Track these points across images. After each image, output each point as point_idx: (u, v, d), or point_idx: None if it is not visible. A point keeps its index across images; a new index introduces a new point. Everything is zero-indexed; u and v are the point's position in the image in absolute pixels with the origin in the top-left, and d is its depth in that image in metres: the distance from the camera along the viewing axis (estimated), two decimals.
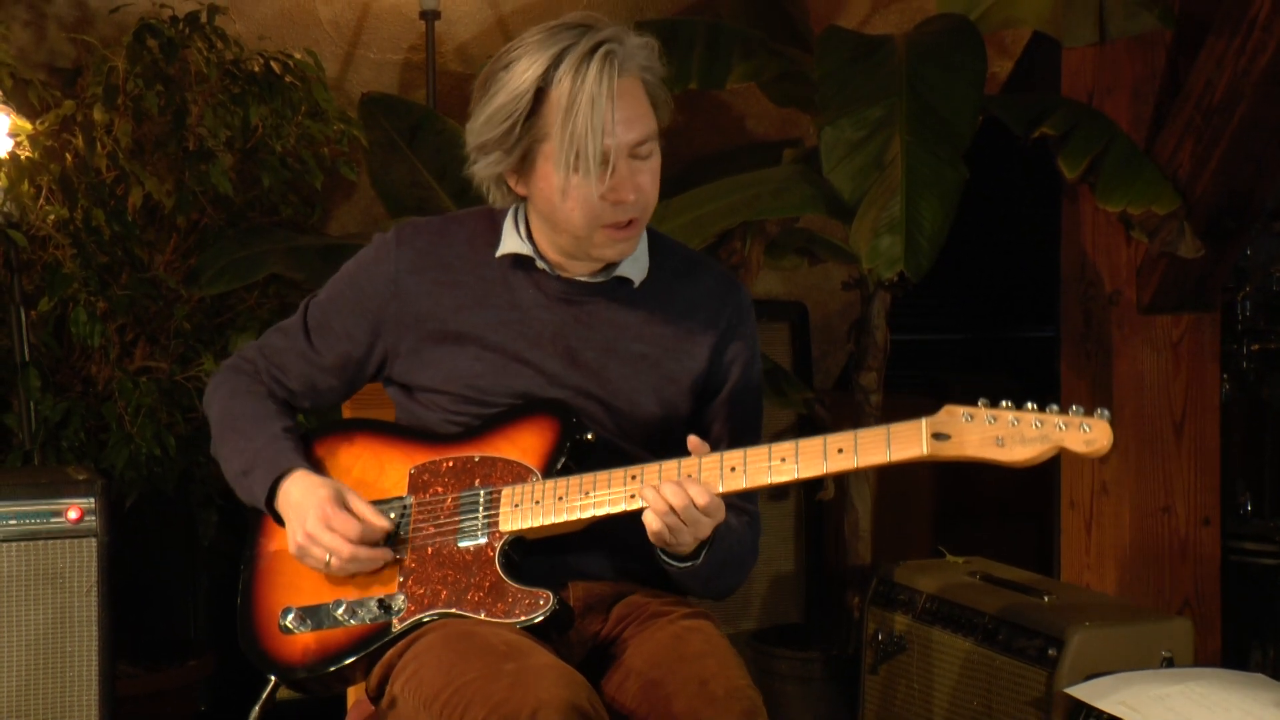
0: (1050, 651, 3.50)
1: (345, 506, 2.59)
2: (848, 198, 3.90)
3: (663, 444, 2.57)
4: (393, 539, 2.63)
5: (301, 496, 2.61)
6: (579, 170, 2.48)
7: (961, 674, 3.76)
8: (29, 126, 4.01)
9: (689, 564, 2.52)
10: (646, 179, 2.55)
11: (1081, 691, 3.34)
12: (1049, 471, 4.93)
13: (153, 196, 4.19)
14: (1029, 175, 5.70)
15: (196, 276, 4.24)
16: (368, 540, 2.58)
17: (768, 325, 5.09)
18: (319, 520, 2.56)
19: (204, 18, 4.27)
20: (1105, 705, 3.26)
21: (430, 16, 4.69)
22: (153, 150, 4.33)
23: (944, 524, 5.83)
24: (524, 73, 2.47)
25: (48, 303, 4.05)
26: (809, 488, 4.89)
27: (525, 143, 2.52)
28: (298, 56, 4.41)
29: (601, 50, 2.44)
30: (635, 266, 2.67)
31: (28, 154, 3.99)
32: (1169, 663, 3.54)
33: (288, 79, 4.37)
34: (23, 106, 4.11)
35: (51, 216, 4.08)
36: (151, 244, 4.44)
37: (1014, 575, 3.97)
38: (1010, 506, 5.83)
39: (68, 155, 4.14)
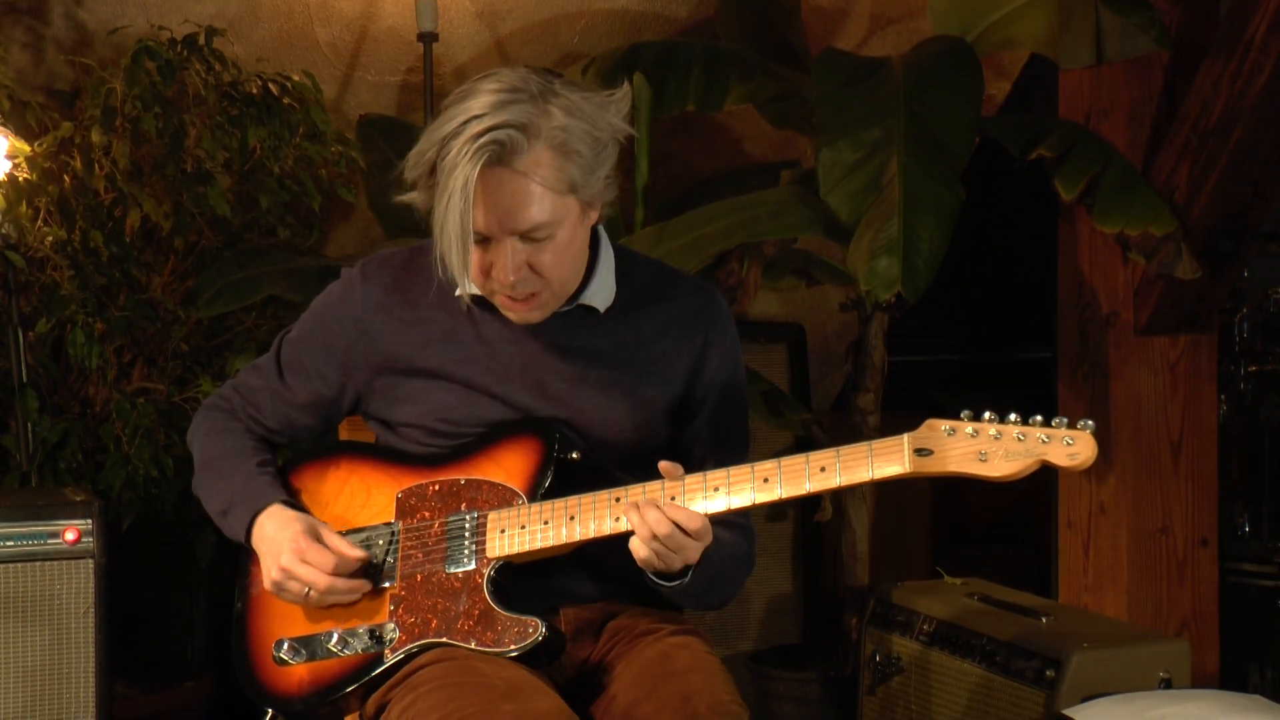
0: (1048, 673, 3.49)
1: (319, 539, 2.59)
2: (845, 219, 3.90)
3: (643, 468, 2.55)
4: (382, 566, 2.63)
5: (275, 531, 2.62)
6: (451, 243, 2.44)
7: (959, 695, 3.75)
8: (27, 148, 4.01)
9: (677, 583, 2.51)
10: (546, 258, 2.49)
11: (1080, 713, 3.33)
12: (1046, 492, 4.93)
13: (151, 218, 4.19)
14: (1026, 196, 5.70)
15: (194, 298, 4.24)
16: (342, 572, 2.58)
17: (765, 346, 5.10)
18: (293, 554, 2.57)
19: (202, 40, 4.27)
20: None
21: (428, 38, 4.70)
22: (151, 172, 4.33)
23: (942, 545, 5.83)
24: (441, 127, 2.43)
25: (45, 324, 4.05)
26: (807, 509, 4.90)
27: (428, 196, 2.49)
28: (295, 78, 4.41)
29: (487, 138, 2.38)
30: (601, 294, 2.65)
31: (26, 176, 3.99)
32: (1167, 684, 3.53)
33: (286, 101, 4.37)
34: (21, 128, 4.11)
35: (49, 238, 4.07)
36: (149, 265, 4.44)
37: (1012, 597, 3.96)
38: (1008, 528, 5.82)
39: (66, 177, 4.14)
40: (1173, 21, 4.38)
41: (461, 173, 2.38)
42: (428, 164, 2.45)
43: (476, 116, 2.40)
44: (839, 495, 4.55)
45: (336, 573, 2.57)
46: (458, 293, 2.63)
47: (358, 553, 2.59)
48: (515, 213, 2.44)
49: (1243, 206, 4.26)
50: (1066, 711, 3.37)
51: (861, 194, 3.89)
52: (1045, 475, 2.35)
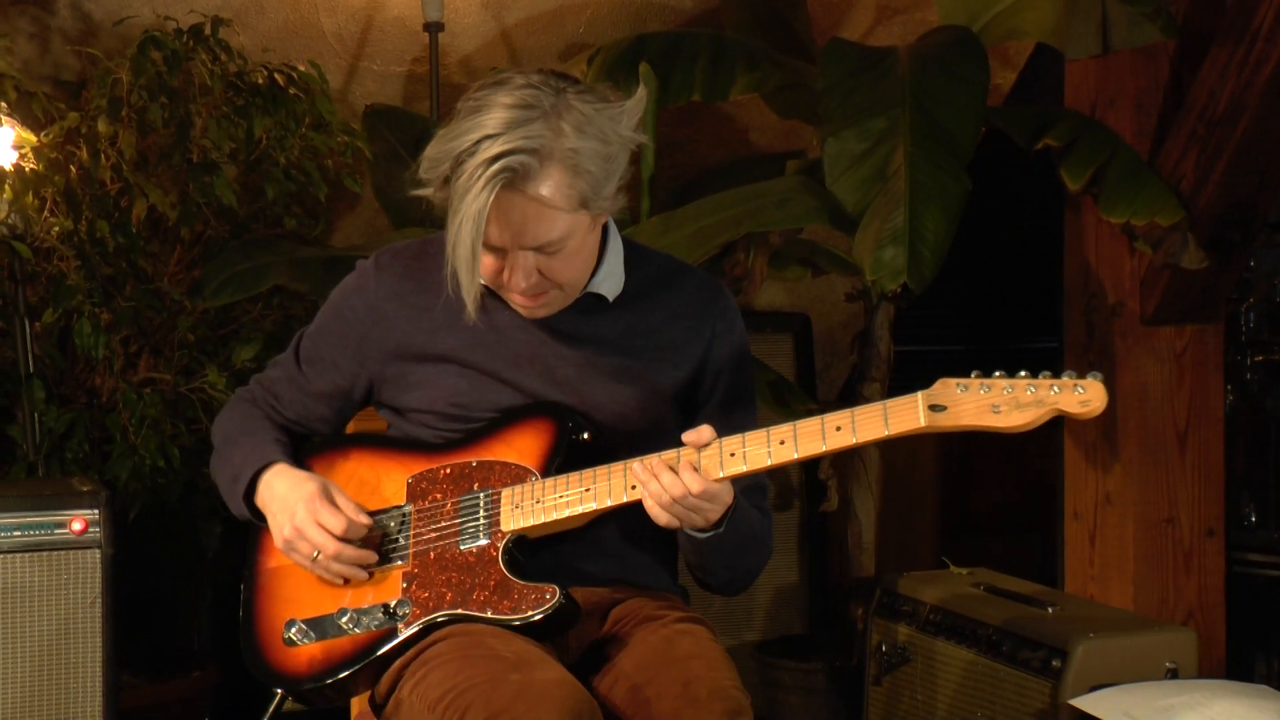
0: (1054, 663, 3.49)
1: (332, 501, 2.61)
2: (851, 209, 3.90)
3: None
4: (394, 546, 2.64)
5: (287, 490, 2.65)
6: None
7: (965, 685, 3.75)
8: (33, 139, 4.02)
9: (713, 533, 2.53)
10: (557, 265, 2.54)
11: (1086, 703, 3.34)
12: (1052, 483, 4.92)
13: (157, 208, 4.20)
14: (1032, 186, 5.70)
15: (200, 288, 4.24)
16: (353, 536, 2.60)
17: (771, 336, 5.10)
18: (308, 514, 2.59)
19: (208, 30, 4.27)
20: (1109, 717, 3.26)
21: (434, 29, 4.70)
22: (157, 162, 4.33)
23: (947, 536, 5.83)
24: (455, 140, 2.45)
25: (52, 314, 4.06)
26: (813, 499, 4.90)
27: (443, 196, 2.51)
28: (301, 69, 4.41)
29: (500, 165, 2.40)
30: (609, 282, 2.68)
31: (32, 166, 3.99)
32: (1173, 674, 3.53)
33: (291, 91, 4.37)
34: (27, 119, 4.11)
35: (56, 228, 4.08)
36: (155, 256, 4.44)
37: (1018, 586, 3.96)
38: (1014, 518, 5.82)
39: (72, 167, 4.14)
40: (1179, 10, 4.37)
41: (475, 200, 2.41)
42: (441, 176, 2.49)
43: (490, 136, 2.42)
44: (845, 485, 4.55)
45: (346, 536, 2.59)
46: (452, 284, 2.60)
47: (364, 518, 2.61)
48: (527, 231, 2.48)
49: (1249, 196, 4.25)
50: (1073, 701, 3.38)
51: (867, 184, 3.89)
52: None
